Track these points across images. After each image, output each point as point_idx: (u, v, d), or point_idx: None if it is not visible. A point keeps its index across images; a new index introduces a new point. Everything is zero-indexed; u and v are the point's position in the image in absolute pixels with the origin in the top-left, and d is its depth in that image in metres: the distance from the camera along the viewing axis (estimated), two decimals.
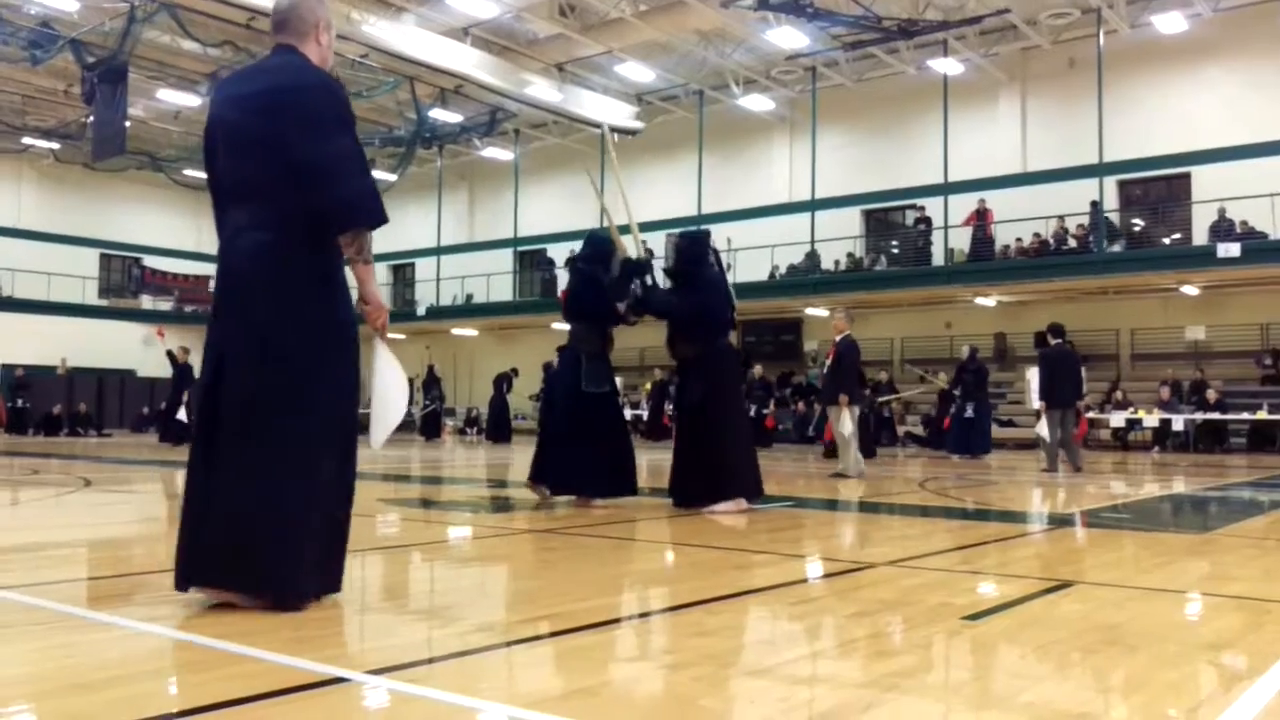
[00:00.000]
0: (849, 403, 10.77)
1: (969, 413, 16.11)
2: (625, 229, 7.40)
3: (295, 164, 3.20)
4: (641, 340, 22.06)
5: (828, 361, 11.25)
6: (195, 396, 3.26)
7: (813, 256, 25.40)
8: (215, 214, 3.46)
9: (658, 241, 29.35)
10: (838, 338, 11.14)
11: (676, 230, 29.48)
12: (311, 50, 3.47)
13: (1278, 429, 19.20)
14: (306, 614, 3.18)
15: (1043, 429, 12.34)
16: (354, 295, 3.44)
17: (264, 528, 3.11)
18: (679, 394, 7.28)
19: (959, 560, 4.66)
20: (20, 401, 26.93)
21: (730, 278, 28.17)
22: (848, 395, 10.80)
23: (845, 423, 10.76)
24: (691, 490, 6.87)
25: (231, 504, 3.12)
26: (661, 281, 7.54)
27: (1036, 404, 12.84)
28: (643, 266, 7.09)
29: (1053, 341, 12.54)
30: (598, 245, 7.38)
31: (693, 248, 7.27)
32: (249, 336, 3.21)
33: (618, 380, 7.90)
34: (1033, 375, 19.90)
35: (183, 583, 3.18)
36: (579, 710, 2.16)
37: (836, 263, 25.72)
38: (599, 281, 7.09)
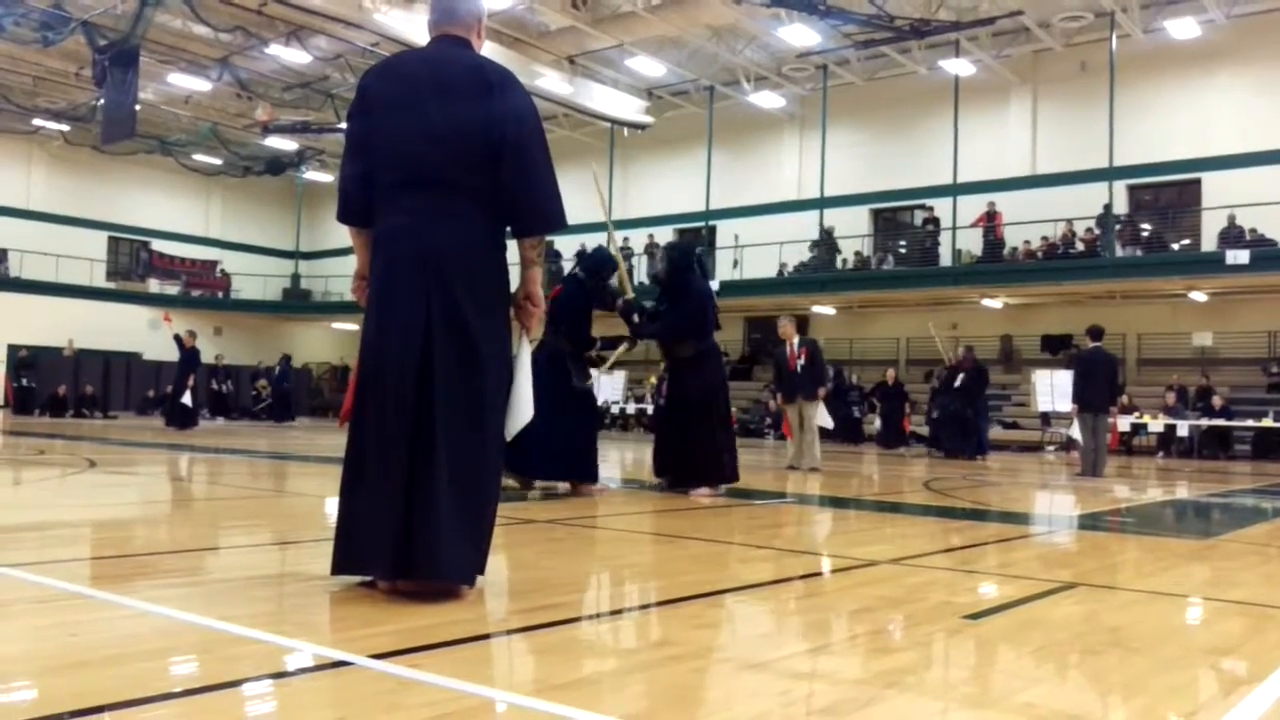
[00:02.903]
0: (824, 397, 11.75)
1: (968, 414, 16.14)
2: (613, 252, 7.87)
3: (508, 166, 3.24)
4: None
5: (800, 362, 11.71)
6: (382, 370, 3.15)
7: (820, 254, 25.38)
8: (357, 180, 3.36)
9: (664, 236, 29.38)
10: (795, 340, 11.82)
11: (683, 226, 29.56)
12: (475, 44, 3.46)
13: None
14: (311, 600, 3.20)
15: (1075, 432, 12.24)
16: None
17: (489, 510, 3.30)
18: (672, 387, 7.87)
19: (961, 560, 4.66)
20: (25, 381, 26.96)
21: (737, 274, 28.02)
22: (825, 390, 11.77)
23: (825, 417, 11.71)
24: (682, 472, 7.68)
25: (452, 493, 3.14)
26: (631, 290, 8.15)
27: (1056, 407, 12.80)
28: (638, 307, 7.83)
29: (1090, 344, 12.23)
30: (600, 265, 7.80)
31: (682, 259, 7.99)
32: (466, 326, 3.20)
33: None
34: (1038, 378, 19.95)
35: (391, 572, 3.15)
36: (578, 699, 2.17)
37: (844, 261, 25.69)
38: (586, 302, 7.60)
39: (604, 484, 7.73)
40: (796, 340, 11.79)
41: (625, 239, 25.53)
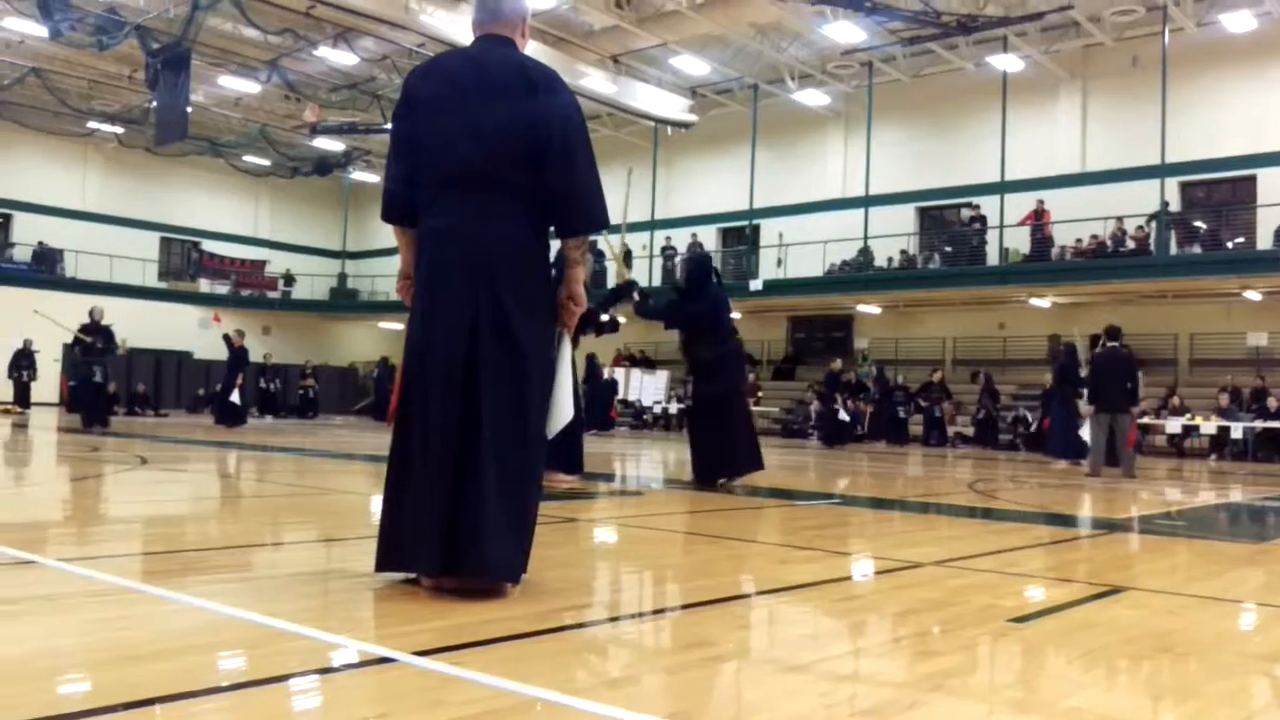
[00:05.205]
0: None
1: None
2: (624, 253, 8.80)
3: (552, 166, 3.25)
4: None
5: None
6: (429, 370, 3.21)
7: (865, 253, 25.21)
8: (401, 180, 3.38)
9: (707, 235, 29.36)
10: None
11: (727, 225, 29.50)
12: (519, 44, 3.48)
13: None
14: (355, 597, 3.23)
15: (1085, 433, 12.26)
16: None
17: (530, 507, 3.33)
18: (694, 388, 8.52)
19: (1007, 562, 4.61)
20: (24, 375, 25.57)
21: (781, 273, 27.98)
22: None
23: None
24: (715, 468, 8.19)
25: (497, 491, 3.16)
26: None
27: (1085, 408, 12.71)
28: (630, 288, 8.37)
29: (1107, 344, 12.37)
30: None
31: (699, 269, 8.72)
32: (512, 326, 3.23)
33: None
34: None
35: (436, 568, 3.16)
36: (620, 698, 2.17)
37: (890, 260, 25.50)
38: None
39: (576, 479, 7.90)
40: None
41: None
